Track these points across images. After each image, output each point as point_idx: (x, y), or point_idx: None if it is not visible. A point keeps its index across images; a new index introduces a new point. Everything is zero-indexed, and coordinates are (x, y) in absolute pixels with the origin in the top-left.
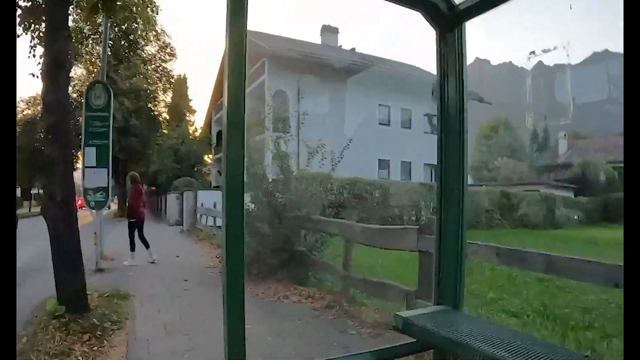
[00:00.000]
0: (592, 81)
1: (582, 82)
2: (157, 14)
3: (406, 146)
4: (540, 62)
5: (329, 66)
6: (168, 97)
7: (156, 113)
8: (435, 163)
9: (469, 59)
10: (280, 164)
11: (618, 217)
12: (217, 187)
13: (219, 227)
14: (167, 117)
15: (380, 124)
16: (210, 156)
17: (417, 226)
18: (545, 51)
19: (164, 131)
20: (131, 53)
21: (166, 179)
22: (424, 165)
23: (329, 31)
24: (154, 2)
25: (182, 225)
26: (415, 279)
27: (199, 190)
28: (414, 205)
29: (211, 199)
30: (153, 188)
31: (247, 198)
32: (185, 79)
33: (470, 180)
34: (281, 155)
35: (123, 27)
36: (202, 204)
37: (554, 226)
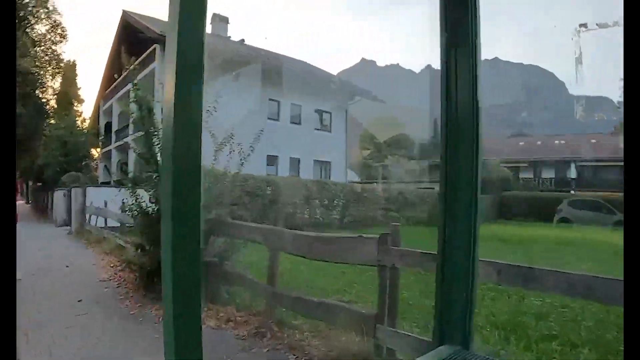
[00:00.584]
0: (483, 86)
1: None
2: None
3: (295, 142)
4: (429, 65)
5: (220, 57)
6: (56, 83)
7: (44, 100)
8: (327, 160)
9: (356, 59)
10: None
11: (511, 214)
12: (106, 184)
13: (112, 228)
14: (55, 106)
15: (269, 118)
16: (98, 150)
17: (377, 236)
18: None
19: (52, 121)
20: (19, 31)
21: (53, 174)
22: (314, 161)
23: (219, 20)
24: None
25: (70, 225)
26: (365, 298)
27: (87, 187)
28: (306, 202)
29: (101, 197)
30: (39, 184)
31: (146, 196)
32: (74, 64)
33: (356, 177)
34: None
35: None
36: (91, 203)
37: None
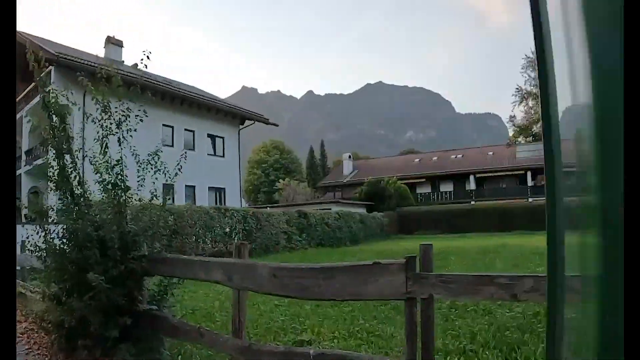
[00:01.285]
0: (365, 109)
1: (355, 110)
2: None
3: (190, 169)
4: (310, 91)
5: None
6: None
7: None
8: (222, 186)
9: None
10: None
11: (411, 229)
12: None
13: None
14: None
15: (164, 145)
16: None
17: (402, 260)
18: None
19: None
20: None
21: None
22: (209, 188)
23: (113, 44)
24: None
25: None
26: (383, 344)
27: None
28: (208, 230)
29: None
30: None
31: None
32: None
33: (244, 204)
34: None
35: None
36: None
37: (353, 241)
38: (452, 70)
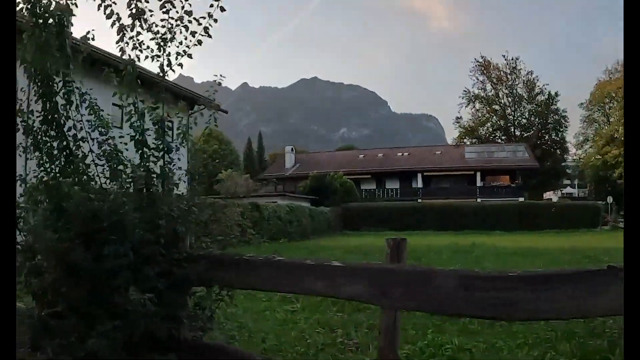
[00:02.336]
0: (298, 104)
1: (289, 104)
2: None
3: (134, 155)
4: (245, 83)
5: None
6: None
7: None
8: None
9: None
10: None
11: (358, 225)
12: None
13: None
14: None
15: (115, 126)
16: None
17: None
18: None
19: None
20: None
21: None
22: None
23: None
24: None
25: None
26: None
27: None
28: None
29: None
30: None
31: None
32: None
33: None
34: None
35: None
36: None
37: (303, 236)
38: (390, 70)
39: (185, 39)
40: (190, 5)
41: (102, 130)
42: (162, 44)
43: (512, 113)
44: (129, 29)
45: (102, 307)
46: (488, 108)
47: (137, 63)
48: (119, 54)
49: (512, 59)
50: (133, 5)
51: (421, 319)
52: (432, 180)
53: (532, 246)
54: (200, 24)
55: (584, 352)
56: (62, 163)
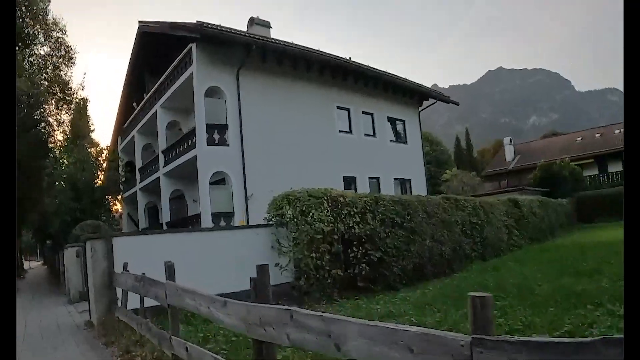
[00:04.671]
0: (487, 97)
1: (478, 99)
2: (49, 2)
3: (372, 159)
4: (435, 85)
5: (284, 54)
6: (62, 113)
7: (42, 130)
8: (407, 177)
9: None
10: None
11: (591, 217)
12: (152, 229)
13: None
14: (60, 140)
15: (340, 131)
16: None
17: None
18: None
19: (56, 153)
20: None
21: (62, 225)
22: (394, 180)
23: (258, 24)
24: None
25: (89, 305)
26: None
27: (116, 238)
28: (444, 227)
29: (146, 255)
30: (48, 241)
31: None
32: (85, 101)
33: (424, 188)
34: None
35: None
36: (125, 266)
37: (551, 234)
38: (570, 46)
39: None
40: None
41: None
42: None
43: None
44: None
45: None
46: None
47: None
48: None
49: None
50: None
51: None
52: None
53: None
54: None
55: None
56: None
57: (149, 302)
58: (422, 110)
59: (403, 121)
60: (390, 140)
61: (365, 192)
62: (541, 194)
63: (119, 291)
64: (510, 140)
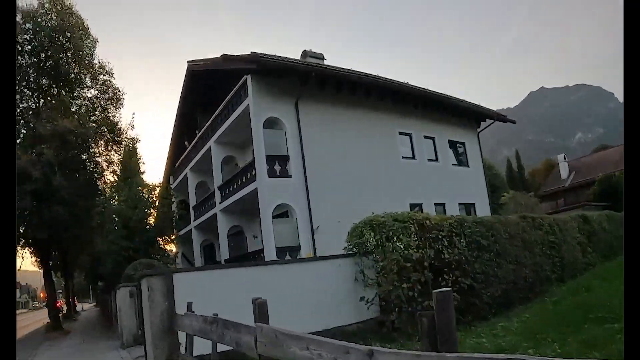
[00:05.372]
0: (530, 118)
1: (522, 121)
2: (95, 48)
3: (436, 184)
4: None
5: (344, 81)
6: (112, 154)
7: (92, 169)
8: (471, 201)
9: None
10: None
11: None
12: (213, 263)
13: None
14: (111, 180)
15: (404, 157)
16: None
17: None
18: None
19: (106, 193)
20: (60, 88)
21: (114, 265)
22: (459, 205)
23: (312, 57)
24: (90, 34)
25: (146, 352)
26: None
27: (177, 274)
28: (525, 248)
29: (212, 293)
30: (100, 282)
31: None
32: (135, 140)
33: (488, 212)
34: None
35: (44, 58)
36: (190, 306)
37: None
38: (608, 58)
39: None
40: None
41: None
42: None
43: None
44: None
45: None
46: None
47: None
48: None
49: None
50: None
51: None
52: None
53: None
54: None
55: None
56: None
57: (221, 347)
58: (480, 131)
59: (463, 144)
60: (453, 164)
61: (447, 215)
62: (602, 209)
63: (182, 335)
64: (565, 157)
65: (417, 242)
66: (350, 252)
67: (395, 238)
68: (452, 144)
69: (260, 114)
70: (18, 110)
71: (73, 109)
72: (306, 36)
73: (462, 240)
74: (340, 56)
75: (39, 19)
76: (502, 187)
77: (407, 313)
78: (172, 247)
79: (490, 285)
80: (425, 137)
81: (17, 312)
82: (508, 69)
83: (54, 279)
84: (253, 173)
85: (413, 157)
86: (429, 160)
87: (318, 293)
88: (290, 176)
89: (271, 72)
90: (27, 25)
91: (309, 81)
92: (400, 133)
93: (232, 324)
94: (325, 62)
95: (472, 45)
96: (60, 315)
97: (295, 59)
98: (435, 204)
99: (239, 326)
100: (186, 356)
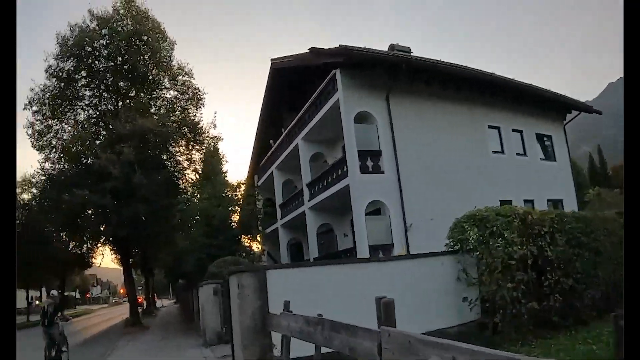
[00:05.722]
0: (608, 111)
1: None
2: (172, 50)
3: (525, 179)
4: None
5: (434, 72)
6: (193, 153)
7: (172, 168)
8: (558, 197)
9: None
10: None
11: None
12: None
13: None
14: (192, 179)
15: (493, 152)
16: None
17: None
18: None
19: (188, 191)
20: (138, 90)
21: (196, 263)
22: (547, 202)
23: (399, 51)
24: (167, 37)
25: (233, 351)
26: None
27: (270, 271)
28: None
29: (309, 291)
30: (181, 280)
31: None
32: (217, 139)
33: (576, 209)
34: None
35: (123, 61)
36: (287, 304)
37: None
38: None
39: None
40: None
41: None
42: None
43: None
44: None
45: None
46: None
47: None
48: None
49: None
50: None
51: None
52: None
53: None
54: None
55: None
56: None
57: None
58: (566, 123)
59: (550, 137)
60: (540, 159)
61: (547, 209)
62: None
63: (275, 336)
64: None
65: (520, 239)
66: (451, 250)
67: (499, 234)
68: (539, 137)
69: (350, 109)
70: (97, 113)
71: (152, 110)
72: (389, 31)
73: (561, 238)
74: (423, 51)
75: (114, 24)
76: (584, 183)
77: (511, 315)
78: (256, 246)
79: (590, 286)
80: (514, 130)
81: (98, 307)
82: (585, 60)
83: (135, 276)
84: (344, 169)
85: (502, 152)
86: (518, 154)
87: (418, 293)
88: (382, 172)
89: (360, 65)
90: (103, 31)
91: (399, 74)
92: (489, 126)
93: (344, 326)
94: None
95: (546, 37)
96: (140, 310)
97: (384, 51)
98: (524, 201)
99: (355, 329)
100: (281, 359)
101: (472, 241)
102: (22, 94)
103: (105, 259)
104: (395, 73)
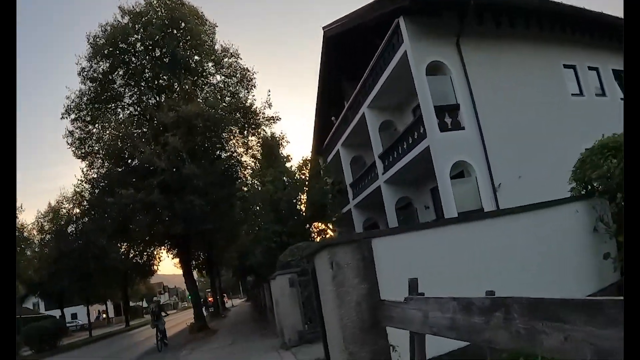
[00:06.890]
0: None
1: None
2: (214, 34)
3: (606, 124)
4: None
5: (507, 9)
6: (249, 137)
7: (227, 155)
8: None
9: None
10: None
11: None
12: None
13: None
14: (252, 163)
15: (573, 94)
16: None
17: None
18: None
19: (247, 178)
20: (181, 80)
21: (265, 253)
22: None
23: None
24: (206, 21)
25: (328, 356)
26: None
27: (376, 239)
28: None
29: (409, 265)
30: (250, 276)
31: None
32: (274, 119)
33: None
34: None
35: (158, 49)
36: (413, 284)
37: None
38: None
39: None
40: None
41: None
42: None
43: None
44: None
45: None
46: None
47: None
48: None
49: None
50: None
51: None
52: None
53: None
54: None
55: None
56: None
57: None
58: None
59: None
60: (621, 99)
61: None
62: None
63: (394, 333)
64: None
65: None
66: (581, 194)
67: None
68: (617, 74)
69: (421, 59)
70: (139, 109)
71: (199, 100)
72: None
73: None
74: None
75: (147, 16)
76: None
77: None
78: (328, 230)
79: None
80: (589, 67)
81: (168, 312)
82: None
83: (201, 279)
84: (421, 130)
85: (581, 94)
86: (597, 95)
87: (543, 251)
88: (463, 128)
89: (424, 9)
90: (136, 25)
91: (467, 15)
92: (565, 66)
93: (574, 305)
94: None
95: None
96: (207, 313)
97: None
98: None
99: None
100: None
101: (615, 177)
102: (59, 103)
103: (171, 267)
104: (463, 14)
